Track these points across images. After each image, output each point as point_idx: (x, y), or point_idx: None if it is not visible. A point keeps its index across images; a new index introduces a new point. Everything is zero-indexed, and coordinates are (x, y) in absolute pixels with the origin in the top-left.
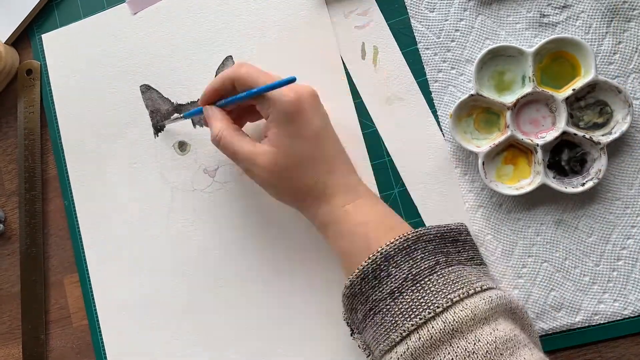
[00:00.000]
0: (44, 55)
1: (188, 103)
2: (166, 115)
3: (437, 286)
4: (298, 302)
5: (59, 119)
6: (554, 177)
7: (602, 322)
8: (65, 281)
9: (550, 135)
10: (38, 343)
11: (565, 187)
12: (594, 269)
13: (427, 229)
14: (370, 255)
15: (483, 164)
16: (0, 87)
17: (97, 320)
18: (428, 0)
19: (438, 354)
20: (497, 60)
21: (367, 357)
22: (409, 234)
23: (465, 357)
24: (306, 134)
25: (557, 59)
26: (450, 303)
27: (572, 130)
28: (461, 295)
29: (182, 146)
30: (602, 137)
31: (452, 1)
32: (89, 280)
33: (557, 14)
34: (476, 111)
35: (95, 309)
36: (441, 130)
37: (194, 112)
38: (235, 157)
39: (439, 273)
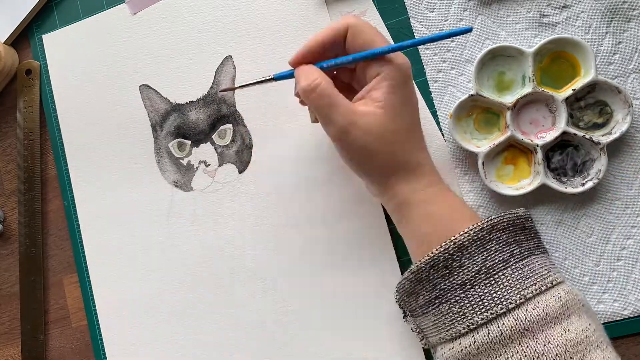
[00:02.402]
0: (43, 56)
1: (187, 103)
2: (165, 115)
3: (510, 281)
4: (299, 302)
5: (59, 118)
6: (554, 177)
7: (601, 322)
8: (65, 281)
9: (550, 135)
10: (37, 343)
11: (565, 187)
12: (594, 269)
13: (500, 216)
14: (443, 244)
15: (483, 164)
16: None
17: (97, 321)
18: (428, 1)
19: (506, 352)
20: (497, 61)
21: (420, 341)
22: (483, 223)
23: (534, 358)
24: (413, 102)
25: (557, 59)
26: (523, 300)
27: (572, 130)
28: (534, 292)
29: (181, 146)
30: (602, 137)
31: (452, 1)
32: (89, 281)
33: (557, 14)
34: (476, 111)
35: (95, 310)
36: (441, 131)
37: (284, 75)
38: (331, 112)
39: (513, 267)
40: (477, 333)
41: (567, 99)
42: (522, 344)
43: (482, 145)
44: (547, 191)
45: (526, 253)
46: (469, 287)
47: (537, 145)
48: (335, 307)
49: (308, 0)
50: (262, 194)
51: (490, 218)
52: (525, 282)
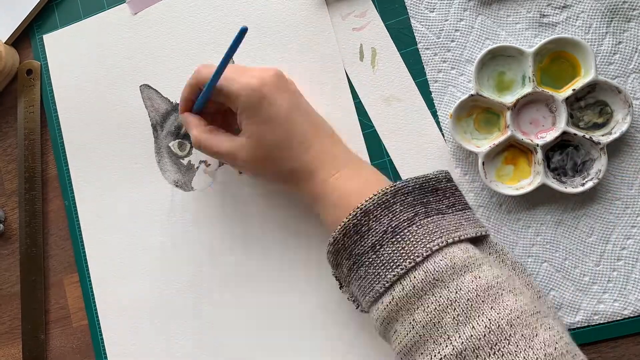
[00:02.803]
0: (44, 56)
1: None
2: (165, 115)
3: (416, 236)
4: (300, 302)
5: (60, 118)
6: (554, 177)
7: (601, 322)
8: (65, 281)
9: (550, 135)
10: (38, 343)
11: (565, 187)
12: (594, 269)
13: (406, 181)
14: (352, 212)
15: (483, 164)
16: (0, 87)
17: (97, 321)
18: (428, 1)
19: (422, 303)
20: (497, 61)
21: (356, 308)
22: (387, 189)
23: (447, 306)
24: (276, 117)
25: (557, 59)
26: (429, 252)
27: (572, 130)
28: (440, 244)
29: (181, 146)
30: (602, 137)
31: (452, 1)
32: (89, 280)
33: (557, 14)
34: (476, 111)
35: (96, 309)
36: (441, 131)
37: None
38: (218, 157)
39: (417, 224)
40: (394, 290)
41: (567, 99)
42: (435, 294)
43: (482, 145)
44: (547, 191)
45: (433, 212)
46: (379, 247)
47: (537, 145)
48: (336, 308)
49: (308, 0)
50: (263, 194)
51: (394, 183)
52: (431, 236)
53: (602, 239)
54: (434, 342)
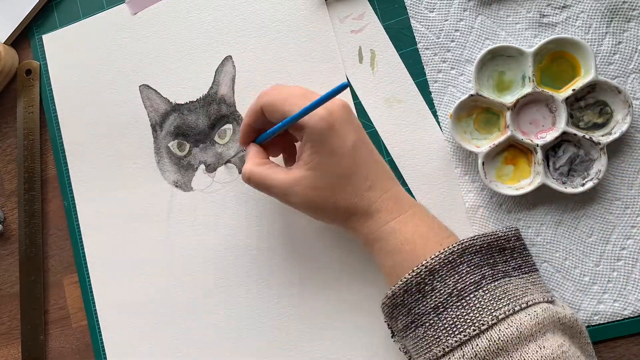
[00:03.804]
0: (43, 56)
1: (187, 103)
2: (165, 115)
3: (482, 302)
4: (299, 302)
5: (59, 119)
6: (553, 177)
7: (601, 322)
8: (65, 281)
9: (550, 135)
10: (37, 343)
11: (565, 187)
12: (594, 269)
13: (473, 239)
14: (415, 268)
15: (483, 164)
16: None
17: (97, 321)
18: (428, 1)
19: None
20: (497, 61)
21: (408, 359)
22: (454, 247)
23: None
24: (342, 150)
25: (557, 59)
26: (495, 320)
27: (572, 130)
28: (507, 312)
29: (181, 146)
30: (602, 137)
31: (452, 1)
32: (89, 281)
33: (556, 14)
34: (476, 111)
35: (95, 310)
36: (441, 131)
37: (238, 152)
38: (271, 192)
39: (484, 288)
40: (453, 355)
41: (567, 99)
42: None
43: (482, 145)
44: (547, 191)
45: (500, 275)
46: (442, 310)
47: (537, 145)
48: (337, 308)
49: (308, 0)
50: (262, 193)
51: (461, 241)
52: (498, 302)
53: (602, 239)
54: None
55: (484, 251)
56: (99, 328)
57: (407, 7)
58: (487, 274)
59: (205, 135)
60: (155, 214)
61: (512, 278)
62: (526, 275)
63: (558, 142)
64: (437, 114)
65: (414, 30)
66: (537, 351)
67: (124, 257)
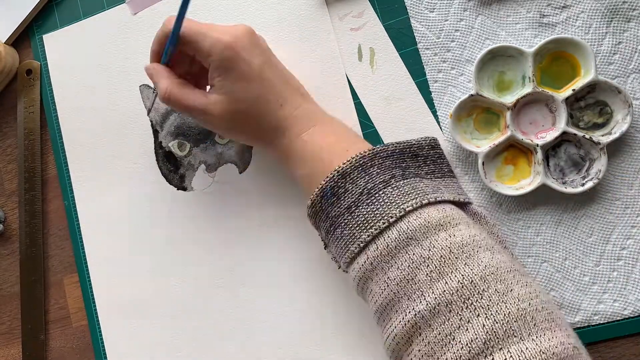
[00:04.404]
0: (44, 56)
1: None
2: (165, 115)
3: (390, 198)
4: (300, 302)
5: (59, 118)
6: (554, 177)
7: (601, 322)
8: (65, 281)
9: (550, 135)
10: (37, 343)
11: (565, 187)
12: (594, 269)
13: (385, 145)
14: (329, 174)
15: (483, 164)
16: (0, 88)
17: (97, 321)
18: (428, 1)
19: (395, 262)
20: (497, 61)
21: (338, 268)
22: (365, 152)
23: (420, 263)
24: (249, 75)
25: (557, 59)
26: (403, 212)
27: (572, 130)
28: (414, 205)
29: (181, 146)
30: (602, 137)
31: (452, 1)
32: (89, 281)
33: (556, 14)
34: (476, 111)
35: (95, 309)
36: (441, 131)
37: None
38: (189, 112)
39: (393, 186)
40: (368, 249)
41: (567, 99)
42: (409, 252)
43: (482, 145)
44: (547, 191)
45: (410, 175)
46: (354, 208)
47: (537, 145)
48: (338, 307)
49: (308, 0)
50: (263, 193)
51: (373, 147)
52: (406, 197)
53: (602, 239)
54: (408, 298)
55: (395, 156)
56: (99, 328)
57: (407, 7)
58: (397, 174)
59: (206, 135)
60: (155, 214)
61: (422, 179)
62: (439, 179)
63: (558, 142)
64: (437, 114)
65: (414, 30)
66: (446, 238)
67: (124, 257)
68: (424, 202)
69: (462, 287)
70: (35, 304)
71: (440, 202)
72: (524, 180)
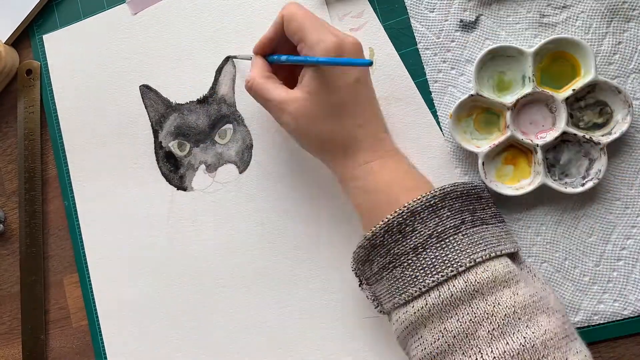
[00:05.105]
0: (44, 56)
1: (187, 103)
2: (165, 115)
3: (461, 245)
4: (299, 302)
5: (60, 119)
6: (553, 178)
7: (601, 322)
8: (65, 281)
9: (550, 135)
10: (38, 343)
11: (565, 187)
12: (594, 269)
13: (454, 185)
14: (397, 210)
15: (483, 164)
16: (0, 88)
17: (97, 321)
18: (428, 1)
19: (457, 313)
20: (497, 61)
21: (374, 308)
22: (436, 191)
23: (483, 319)
24: (342, 83)
25: (557, 59)
26: (473, 263)
27: (572, 130)
28: (484, 257)
29: (181, 146)
30: (602, 137)
31: (452, 1)
32: (89, 281)
33: (556, 14)
34: (476, 111)
35: (95, 310)
36: (441, 130)
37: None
38: (267, 104)
39: (463, 232)
40: (429, 295)
41: (567, 99)
42: (472, 305)
43: (482, 145)
44: (547, 191)
45: (478, 221)
46: (421, 250)
47: (537, 145)
48: (337, 308)
49: (308, 0)
50: (263, 194)
51: (443, 186)
52: (476, 247)
53: (602, 239)
54: (463, 353)
55: (464, 197)
56: (99, 328)
57: (407, 7)
58: (467, 219)
59: (206, 135)
60: (155, 214)
61: (488, 226)
62: (501, 224)
63: (558, 142)
64: (437, 114)
65: (414, 30)
66: (510, 297)
67: (124, 257)
68: (492, 254)
69: (524, 350)
70: (36, 304)
71: (504, 254)
72: (524, 180)
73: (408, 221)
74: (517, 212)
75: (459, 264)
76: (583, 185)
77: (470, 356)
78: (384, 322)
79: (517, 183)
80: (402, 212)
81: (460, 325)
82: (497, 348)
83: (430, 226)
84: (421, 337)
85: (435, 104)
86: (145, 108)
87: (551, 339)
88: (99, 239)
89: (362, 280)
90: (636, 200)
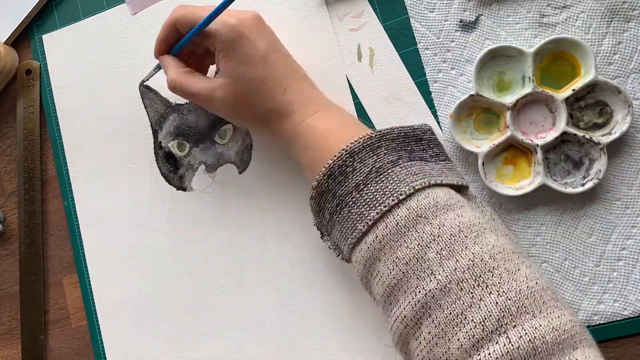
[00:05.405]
0: (43, 56)
1: (187, 103)
2: (165, 115)
3: (399, 176)
4: (299, 303)
5: (59, 119)
6: (554, 178)
7: (601, 322)
8: (65, 281)
9: (550, 135)
10: (37, 344)
11: (565, 188)
12: (594, 270)
13: (391, 129)
14: (337, 153)
15: (483, 164)
16: None
17: (97, 321)
18: (428, 1)
19: (405, 240)
20: (497, 61)
21: (337, 256)
22: (372, 134)
23: (430, 241)
24: (254, 57)
25: (557, 59)
26: (412, 190)
27: (572, 130)
28: (423, 184)
29: (181, 146)
30: (602, 137)
31: (452, 1)
32: (89, 281)
33: (556, 14)
34: (476, 111)
35: (95, 310)
36: (441, 131)
37: (159, 67)
38: (195, 98)
39: (401, 165)
40: (377, 228)
41: (567, 99)
42: (418, 230)
43: (482, 145)
44: (547, 191)
45: (417, 158)
46: (363, 187)
47: (537, 146)
48: (337, 308)
49: (308, 0)
50: (262, 194)
51: (379, 130)
52: (414, 176)
53: (602, 239)
54: (418, 277)
55: (401, 138)
56: (99, 328)
57: (407, 7)
58: (404, 155)
59: (205, 135)
60: (155, 214)
61: (428, 162)
62: (442, 162)
63: (558, 142)
64: (437, 114)
65: (414, 30)
66: (455, 218)
67: (124, 257)
68: (431, 182)
69: (474, 265)
70: (35, 304)
71: (445, 184)
72: (524, 181)
73: (348, 162)
74: (517, 212)
75: (399, 192)
76: (583, 185)
77: (424, 279)
78: (384, 323)
79: (517, 183)
80: (342, 155)
81: (410, 251)
82: (447, 266)
83: (369, 163)
84: (378, 272)
85: (435, 104)
86: (145, 108)
87: (500, 252)
88: (99, 239)
89: (322, 231)
90: (636, 200)
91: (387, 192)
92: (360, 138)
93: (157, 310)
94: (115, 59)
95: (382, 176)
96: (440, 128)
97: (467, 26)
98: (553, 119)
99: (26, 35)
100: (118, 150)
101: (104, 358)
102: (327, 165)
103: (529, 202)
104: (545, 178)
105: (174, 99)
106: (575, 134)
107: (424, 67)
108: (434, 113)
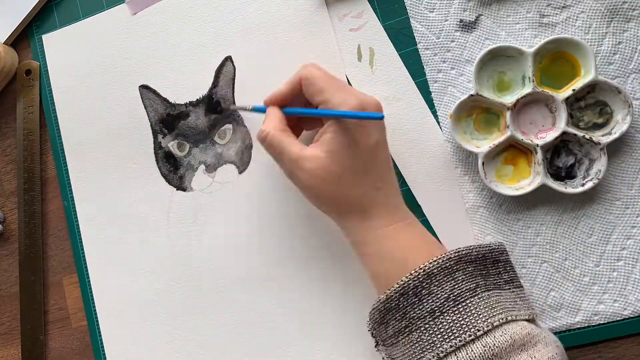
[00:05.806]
0: (43, 56)
1: (187, 103)
2: (164, 115)
3: (478, 309)
4: (299, 303)
5: (59, 119)
6: (554, 178)
7: (601, 322)
8: (65, 282)
9: (550, 135)
10: (37, 344)
11: (565, 188)
12: (594, 270)
13: (469, 249)
14: (412, 272)
15: (483, 164)
16: None
17: (97, 321)
18: (428, 1)
19: None
20: (497, 61)
21: None
22: (450, 254)
23: None
24: (364, 145)
25: (557, 59)
26: (490, 327)
27: (572, 130)
28: (501, 321)
29: (181, 146)
30: (602, 137)
31: (452, 1)
32: (89, 281)
33: (556, 14)
34: (476, 111)
35: (95, 310)
36: (441, 131)
37: (259, 109)
38: (281, 158)
39: (479, 296)
40: None
41: (567, 99)
42: None
43: (482, 145)
44: (547, 191)
45: (492, 286)
46: (438, 314)
47: (537, 146)
48: (337, 308)
49: (308, 0)
50: (262, 194)
51: (458, 249)
52: (492, 310)
53: (602, 239)
54: None
55: (478, 261)
56: (99, 328)
57: (407, 7)
58: (480, 283)
59: (205, 135)
60: (155, 214)
61: (502, 291)
62: (516, 289)
63: (558, 142)
64: (437, 114)
65: (414, 30)
66: (527, 359)
67: (123, 257)
68: (509, 318)
69: None
70: (35, 304)
71: (519, 320)
72: (524, 181)
73: (424, 284)
74: (517, 212)
75: (477, 328)
76: (583, 185)
77: None
78: None
79: (517, 183)
80: (419, 275)
81: None
82: None
83: (446, 289)
84: None
85: (435, 104)
86: (145, 108)
87: None
88: (99, 240)
89: (378, 341)
90: (636, 200)
91: (464, 325)
92: (439, 258)
93: (156, 310)
94: (115, 59)
95: (459, 306)
96: (440, 128)
97: (467, 26)
98: (553, 119)
99: (26, 35)
100: (118, 150)
101: (103, 358)
102: (402, 282)
103: (529, 202)
104: (545, 178)
105: (174, 99)
106: (575, 134)
107: (424, 67)
108: (434, 113)
